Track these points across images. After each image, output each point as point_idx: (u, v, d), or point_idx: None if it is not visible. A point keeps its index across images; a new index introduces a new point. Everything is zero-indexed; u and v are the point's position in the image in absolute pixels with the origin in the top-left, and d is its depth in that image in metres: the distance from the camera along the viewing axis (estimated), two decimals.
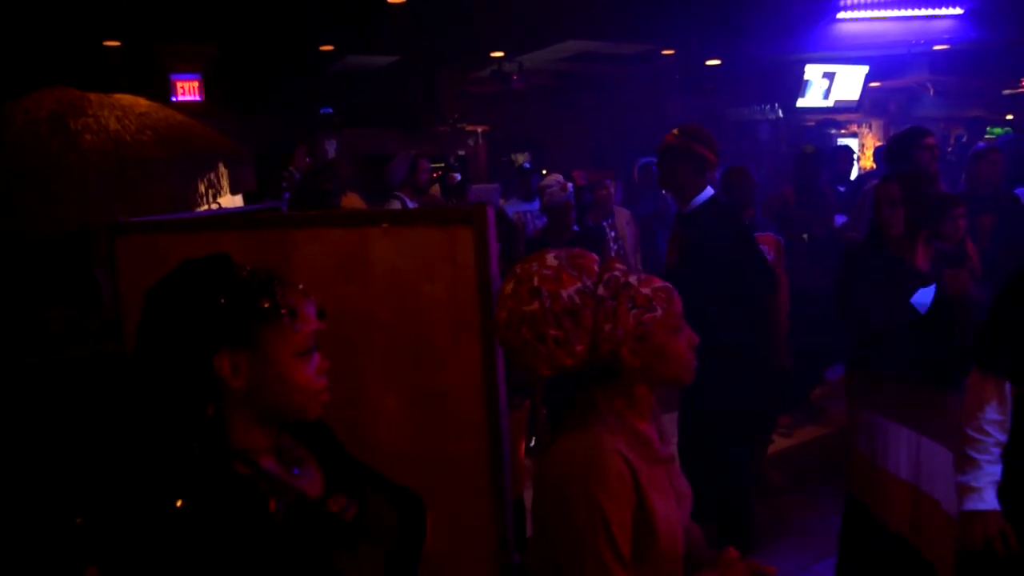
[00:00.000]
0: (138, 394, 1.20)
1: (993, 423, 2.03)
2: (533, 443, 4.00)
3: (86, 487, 2.08)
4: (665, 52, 9.68)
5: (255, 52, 8.28)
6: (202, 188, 4.12)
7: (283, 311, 1.19)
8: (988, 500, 2.02)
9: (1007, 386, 2.04)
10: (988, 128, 11.31)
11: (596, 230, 5.01)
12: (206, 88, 8.61)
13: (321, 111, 9.33)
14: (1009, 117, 12.32)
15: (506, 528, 1.88)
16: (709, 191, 3.17)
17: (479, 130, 10.43)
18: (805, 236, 4.72)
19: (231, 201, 4.21)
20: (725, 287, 2.99)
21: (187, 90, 8.67)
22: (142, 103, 3.76)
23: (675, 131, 3.19)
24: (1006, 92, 11.96)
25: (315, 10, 6.75)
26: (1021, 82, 11.53)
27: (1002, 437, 2.04)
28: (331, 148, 9.06)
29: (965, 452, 2.06)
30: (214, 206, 3.59)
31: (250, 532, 1.12)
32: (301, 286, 1.26)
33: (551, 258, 1.38)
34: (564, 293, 1.33)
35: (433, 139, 10.03)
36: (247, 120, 8.28)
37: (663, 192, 6.67)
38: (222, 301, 1.16)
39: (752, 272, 3.13)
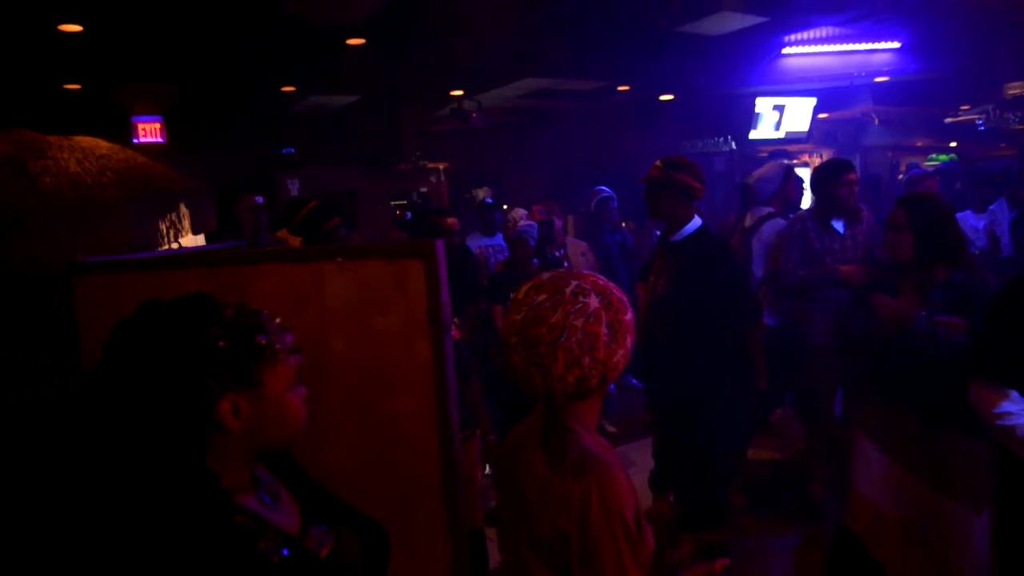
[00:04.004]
0: (118, 442, 1.13)
1: (1014, 407, 2.06)
2: (488, 471, 4.05)
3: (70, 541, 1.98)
4: (620, 88, 9.93)
5: (217, 93, 8.33)
6: (163, 228, 4.14)
7: (278, 346, 1.20)
8: None
9: (1012, 392, 2.09)
10: (931, 155, 11.73)
11: (554, 261, 5.14)
12: (168, 129, 8.63)
13: (283, 151, 9.38)
14: (953, 144, 12.80)
15: (461, 553, 1.93)
16: (698, 220, 3.28)
17: (440, 167, 10.55)
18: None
19: (193, 241, 4.23)
20: (715, 312, 3.10)
21: (148, 131, 8.67)
22: (102, 145, 3.78)
23: (658, 163, 3.30)
24: (948, 120, 12.44)
25: (276, 52, 6.84)
26: (961, 110, 12.00)
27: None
28: (293, 187, 9.10)
29: (1018, 438, 2.05)
30: (175, 246, 3.62)
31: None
32: (278, 320, 1.26)
33: (595, 300, 1.38)
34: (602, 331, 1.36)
35: (395, 177, 10.13)
36: (209, 160, 8.31)
37: (623, 225, 6.85)
38: (221, 345, 1.13)
39: (740, 299, 3.25)
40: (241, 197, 4.88)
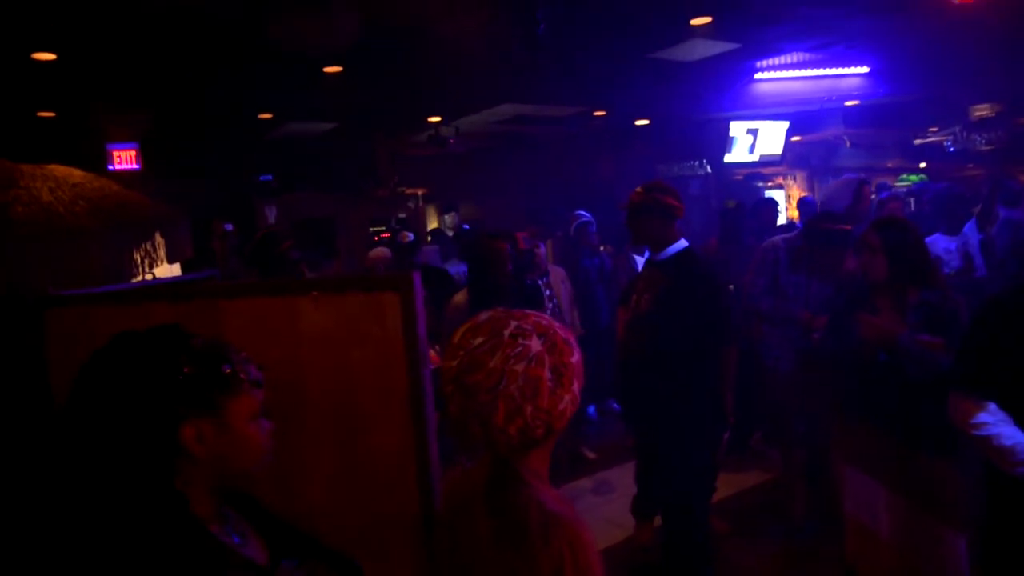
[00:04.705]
0: (84, 467, 1.17)
1: (990, 418, 2.09)
2: None
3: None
4: (597, 113, 10.04)
5: (193, 120, 8.31)
6: (138, 258, 4.10)
7: (243, 377, 1.23)
8: None
9: (990, 404, 2.12)
10: (902, 176, 11.95)
11: (533, 288, 5.13)
12: (143, 156, 8.59)
13: (260, 178, 9.36)
14: (922, 165, 13.04)
15: None
16: (684, 242, 3.32)
17: (419, 192, 10.58)
18: (732, 287, 4.91)
19: (168, 271, 4.19)
20: (696, 332, 3.13)
21: (124, 159, 8.61)
22: (76, 174, 3.75)
23: (638, 189, 3.36)
24: (917, 142, 12.69)
25: (253, 79, 6.85)
26: (929, 132, 12.26)
27: (1005, 415, 2.08)
28: (271, 214, 9.07)
29: (994, 447, 2.07)
30: (149, 276, 3.58)
31: None
32: (244, 352, 1.29)
33: (536, 342, 1.26)
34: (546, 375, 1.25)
35: (373, 203, 10.14)
36: (185, 187, 8.27)
37: (602, 248, 6.89)
38: (186, 371, 1.17)
39: (720, 321, 3.28)
40: (212, 224, 4.86)
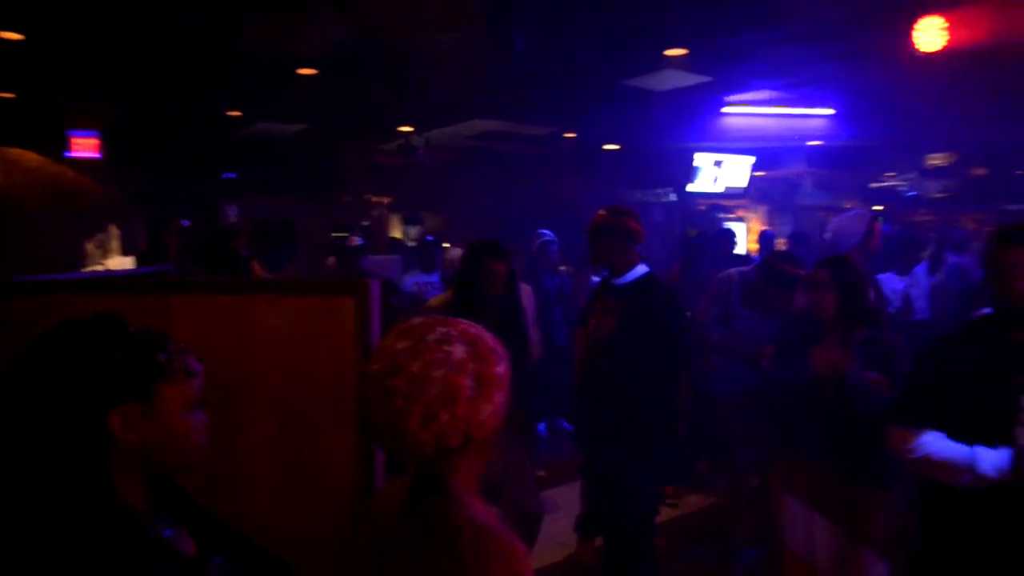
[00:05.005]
0: (12, 452, 1.17)
1: (927, 438, 2.18)
2: None
3: None
4: (567, 135, 10.15)
5: (160, 113, 8.18)
6: (90, 248, 4.03)
7: (175, 365, 1.22)
8: (987, 455, 2.05)
9: (927, 431, 2.20)
10: None
11: (516, 310, 5.08)
12: (105, 145, 8.42)
13: (224, 175, 9.23)
14: (879, 208, 13.44)
15: None
16: (644, 267, 3.36)
17: (384, 201, 10.54)
18: (688, 313, 4.98)
19: (121, 263, 4.12)
20: (658, 359, 3.18)
21: (84, 146, 8.42)
22: (32, 158, 3.68)
23: (602, 211, 3.40)
24: (873, 185, 13.09)
25: (225, 76, 6.78)
26: (886, 176, 12.66)
27: (935, 432, 2.17)
28: (232, 213, 8.96)
29: (935, 463, 2.14)
30: (101, 267, 3.52)
31: None
32: (183, 343, 1.29)
33: (460, 349, 1.24)
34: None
35: (338, 208, 10.07)
36: (147, 180, 8.12)
37: (563, 268, 6.94)
38: (118, 355, 1.17)
39: (680, 348, 3.33)
40: (171, 221, 4.80)
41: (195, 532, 1.34)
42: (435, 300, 3.80)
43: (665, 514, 4.74)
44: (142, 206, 3.71)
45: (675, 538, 4.52)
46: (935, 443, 2.16)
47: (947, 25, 5.40)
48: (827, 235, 4.48)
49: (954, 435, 2.14)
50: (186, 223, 4.79)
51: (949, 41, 5.42)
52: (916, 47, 5.50)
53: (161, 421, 1.20)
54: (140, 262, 4.10)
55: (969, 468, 2.05)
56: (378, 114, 8.60)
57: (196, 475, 1.34)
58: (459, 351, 1.21)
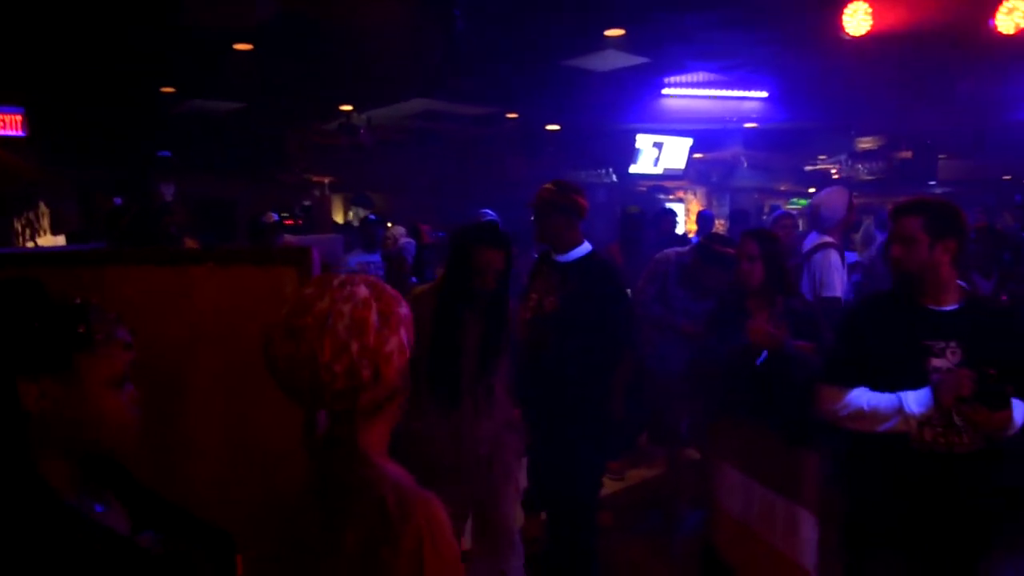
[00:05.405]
0: None
1: (854, 393, 2.37)
2: None
3: None
4: (509, 115, 10.15)
5: (88, 87, 7.87)
6: (19, 227, 3.90)
7: (98, 337, 1.17)
8: (910, 396, 2.27)
9: (854, 389, 2.39)
10: (793, 199, 12.69)
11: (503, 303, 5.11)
12: (31, 122, 8.07)
13: (158, 154, 8.95)
14: (811, 190, 13.86)
15: None
16: (588, 245, 3.38)
17: (325, 180, 10.39)
18: (628, 291, 5.08)
19: (52, 241, 4.00)
20: (602, 335, 3.22)
21: (8, 123, 8.07)
22: None
23: (548, 185, 3.39)
24: (807, 168, 13.48)
25: (157, 49, 6.56)
26: (818, 159, 13.05)
27: (862, 387, 2.36)
28: (168, 191, 8.71)
29: (866, 413, 2.34)
30: (31, 245, 3.42)
31: (66, 572, 1.09)
32: (114, 314, 1.23)
33: (363, 289, 1.29)
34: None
35: (279, 188, 9.89)
36: (78, 158, 7.83)
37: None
38: (36, 325, 1.12)
39: (623, 325, 3.38)
40: (99, 199, 4.67)
41: (133, 508, 1.31)
42: (419, 290, 3.62)
43: (610, 487, 4.84)
44: (72, 184, 3.59)
45: (621, 511, 4.61)
46: (863, 396, 2.36)
47: (871, 10, 5.61)
48: (811, 209, 4.64)
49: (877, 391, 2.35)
50: (119, 201, 4.66)
51: (874, 25, 5.63)
52: (844, 31, 5.69)
53: (83, 395, 1.15)
54: (71, 240, 3.99)
55: (898, 410, 2.27)
56: (317, 92, 8.45)
57: (131, 452, 1.29)
58: (362, 291, 1.27)
